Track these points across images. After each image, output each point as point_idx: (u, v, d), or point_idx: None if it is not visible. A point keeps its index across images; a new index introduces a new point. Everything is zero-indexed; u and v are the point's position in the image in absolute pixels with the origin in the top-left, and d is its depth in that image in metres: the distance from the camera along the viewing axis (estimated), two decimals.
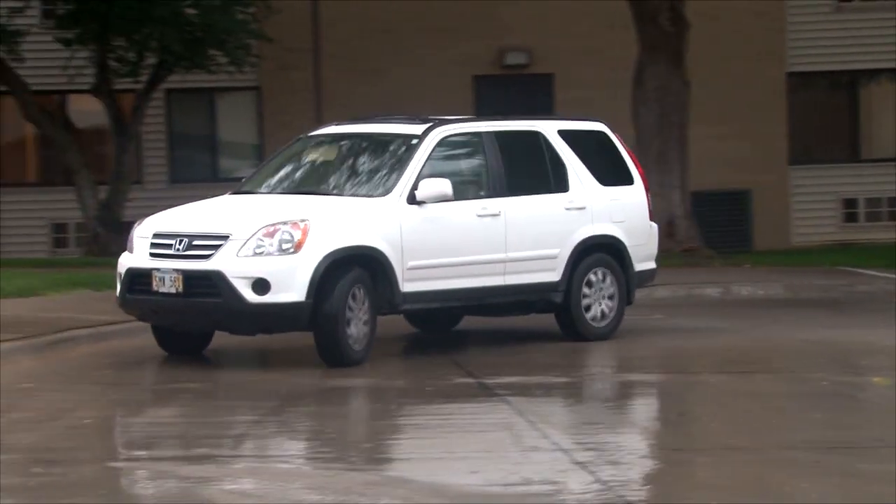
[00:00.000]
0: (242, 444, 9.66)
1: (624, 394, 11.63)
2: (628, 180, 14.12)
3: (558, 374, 12.44)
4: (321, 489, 8.12)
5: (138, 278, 12.31)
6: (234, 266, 11.88)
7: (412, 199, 12.49)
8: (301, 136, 13.78)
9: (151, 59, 21.63)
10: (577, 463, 8.65)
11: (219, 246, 11.97)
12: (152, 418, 10.50)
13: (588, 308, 13.63)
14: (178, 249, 12.12)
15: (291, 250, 11.86)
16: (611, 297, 13.73)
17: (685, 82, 22.00)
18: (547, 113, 24.42)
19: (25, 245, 23.52)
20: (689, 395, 11.51)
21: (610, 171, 13.95)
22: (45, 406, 10.57)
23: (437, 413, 10.71)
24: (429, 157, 12.73)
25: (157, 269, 12.14)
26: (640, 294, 18.27)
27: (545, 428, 9.69)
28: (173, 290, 12.04)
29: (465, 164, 13.22)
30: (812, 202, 25.43)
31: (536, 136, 13.65)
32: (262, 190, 13.21)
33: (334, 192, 12.75)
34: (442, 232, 12.60)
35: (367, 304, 12.17)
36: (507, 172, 13.19)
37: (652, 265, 14.29)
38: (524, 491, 8.08)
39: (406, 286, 12.36)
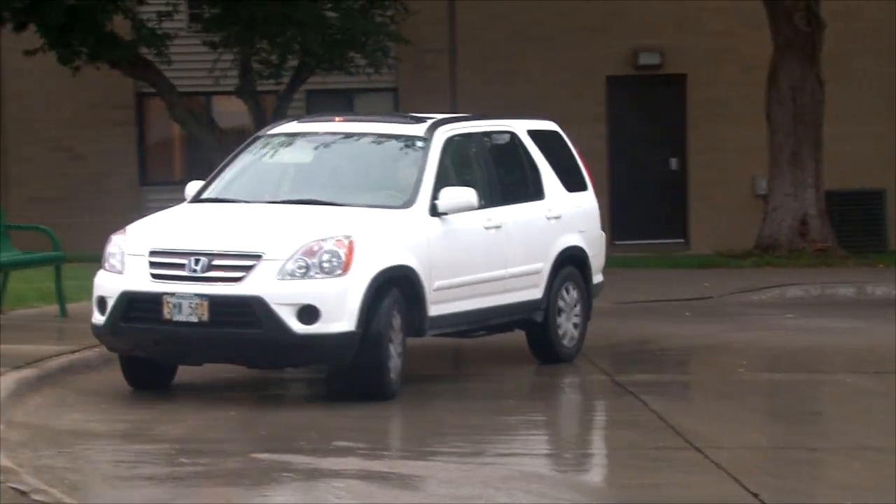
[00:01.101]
0: (385, 439, 10.00)
1: (757, 393, 11.69)
2: (583, 186, 12.84)
3: (690, 372, 12.62)
4: (455, 483, 8.40)
5: (139, 304, 10.44)
6: (276, 290, 10.17)
7: (434, 211, 11.09)
8: (260, 134, 12.15)
9: (293, 62, 22.13)
10: (712, 462, 8.83)
11: (251, 267, 10.25)
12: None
13: (559, 326, 12.34)
14: (194, 270, 10.33)
15: (339, 272, 10.27)
16: (577, 315, 12.51)
17: (820, 81, 21.96)
18: (680, 114, 24.51)
19: None
20: (823, 395, 11.58)
21: (569, 176, 12.66)
22: (192, 398, 10.97)
23: (564, 409, 10.95)
24: (439, 162, 11.34)
25: (171, 294, 10.29)
26: (771, 294, 18.29)
27: (678, 426, 9.85)
28: (195, 319, 10.22)
29: (463, 169, 11.83)
30: None
31: (512, 138, 12.31)
32: (246, 198, 11.37)
33: (343, 202, 11.06)
34: (464, 247, 11.28)
35: (401, 331, 10.72)
36: (498, 178, 11.94)
37: (601, 278, 13.09)
38: (657, 491, 8.27)
39: (433, 309, 10.97)
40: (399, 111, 22.23)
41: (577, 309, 12.53)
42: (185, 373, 11.24)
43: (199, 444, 9.27)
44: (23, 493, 7.68)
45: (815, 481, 8.56)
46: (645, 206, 24.29)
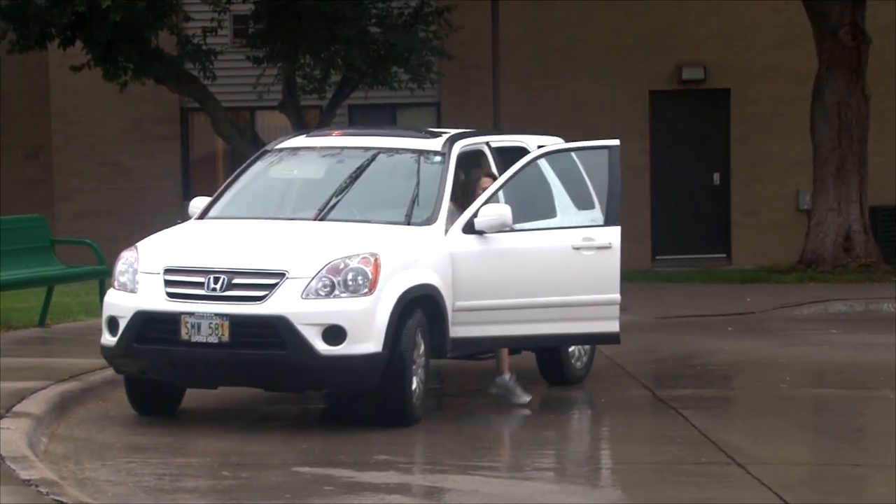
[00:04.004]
0: (425, 453, 10.02)
1: (800, 408, 11.66)
2: (591, 204, 11.75)
3: (732, 388, 12.58)
4: (498, 496, 8.42)
5: (155, 324, 10.05)
6: (301, 310, 9.81)
7: (470, 229, 10.74)
8: (268, 148, 11.74)
9: (336, 76, 22.23)
10: (754, 477, 8.81)
11: (274, 285, 9.89)
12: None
13: (570, 347, 11.98)
14: (213, 289, 9.95)
15: (365, 291, 9.93)
16: None
17: (865, 96, 21.87)
18: (723, 129, 24.44)
19: None
20: (867, 411, 11.54)
21: (574, 195, 11.73)
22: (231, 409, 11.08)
23: (604, 424, 10.95)
24: (455, 177, 11.02)
25: (189, 314, 9.90)
26: (814, 309, 18.20)
27: (720, 441, 9.85)
28: (214, 340, 9.85)
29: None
30: None
31: (524, 153, 11.70)
32: (260, 214, 11.00)
33: (363, 218, 10.75)
34: (503, 267, 10.78)
35: (424, 353, 10.40)
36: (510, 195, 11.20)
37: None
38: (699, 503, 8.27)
39: (454, 330, 10.61)
40: (441, 126, 22.27)
41: None
42: (217, 391, 11.24)
43: (241, 458, 9.32)
44: None
45: (858, 497, 8.54)
46: (687, 221, 24.24)
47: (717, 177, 24.45)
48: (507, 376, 11.27)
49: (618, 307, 11.03)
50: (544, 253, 10.94)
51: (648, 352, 14.02)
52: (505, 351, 11.38)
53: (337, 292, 9.91)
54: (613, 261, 10.97)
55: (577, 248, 10.94)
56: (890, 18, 23.56)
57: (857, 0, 21.70)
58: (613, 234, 11.01)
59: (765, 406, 11.57)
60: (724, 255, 24.14)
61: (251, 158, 11.81)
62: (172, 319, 9.97)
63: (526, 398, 11.26)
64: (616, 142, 11.32)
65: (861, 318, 17.54)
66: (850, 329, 16.34)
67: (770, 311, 17.75)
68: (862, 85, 21.82)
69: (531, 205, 11.20)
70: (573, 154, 11.54)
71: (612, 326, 10.97)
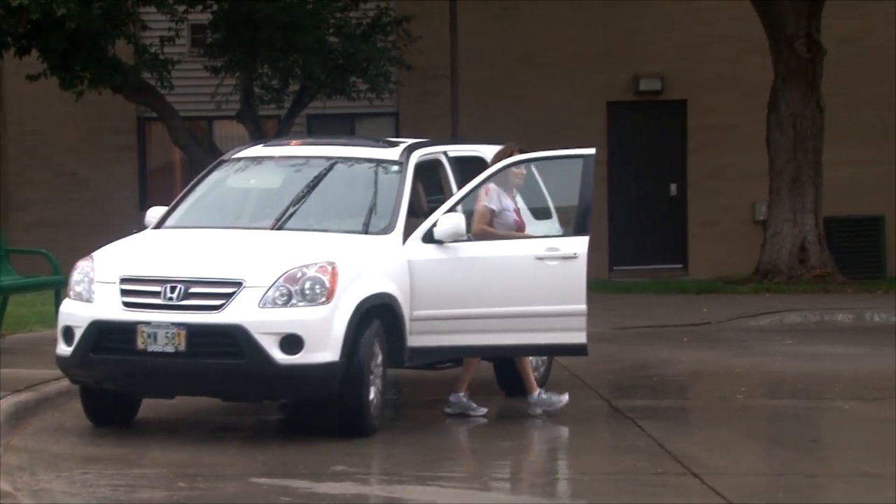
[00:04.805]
0: (382, 464, 10.00)
1: (756, 418, 11.71)
2: (549, 214, 12.11)
3: (689, 398, 12.62)
4: None
5: (111, 334, 9.98)
6: (258, 319, 9.78)
7: (429, 238, 10.72)
8: (225, 158, 11.72)
9: (294, 86, 22.20)
10: (710, 488, 8.85)
11: (231, 294, 9.85)
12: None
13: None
14: (170, 298, 9.89)
15: (322, 300, 9.90)
16: None
17: (820, 108, 22.02)
18: (680, 140, 24.55)
19: None
20: (822, 421, 11.60)
21: (531, 205, 11.90)
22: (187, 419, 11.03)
23: (562, 434, 10.97)
24: (412, 186, 11.04)
25: (146, 323, 9.84)
26: (770, 320, 18.30)
27: (676, 452, 9.88)
28: (171, 349, 9.80)
29: (434, 195, 11.54)
30: None
31: (481, 163, 11.67)
32: (217, 223, 10.96)
33: (321, 227, 10.71)
34: (462, 277, 10.75)
35: (381, 363, 10.38)
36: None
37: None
38: None
39: (412, 340, 10.62)
40: (400, 136, 22.29)
41: None
42: (174, 401, 11.22)
43: (197, 469, 9.28)
44: None
45: None
46: (645, 232, 24.33)
47: (673, 187, 24.56)
48: (461, 394, 11.26)
49: (584, 318, 10.92)
50: (505, 262, 10.87)
51: (605, 362, 14.06)
52: (470, 370, 11.36)
53: (294, 301, 9.88)
54: (579, 271, 10.87)
55: (541, 258, 10.90)
56: (845, 32, 23.75)
57: (813, 13, 21.86)
58: (580, 244, 10.91)
59: (721, 416, 11.61)
60: (680, 266, 24.24)
61: (208, 168, 11.77)
62: (128, 329, 9.91)
63: (483, 410, 11.27)
64: (592, 151, 11.25)
65: (816, 329, 17.64)
66: (805, 340, 16.44)
67: (726, 321, 17.84)
68: (817, 97, 21.98)
69: None
70: (531, 164, 11.57)
71: (579, 337, 10.88)
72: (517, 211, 11.35)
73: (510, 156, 11.31)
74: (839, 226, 23.47)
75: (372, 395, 10.22)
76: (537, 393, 11.34)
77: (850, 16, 23.95)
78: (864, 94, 24.34)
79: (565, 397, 11.35)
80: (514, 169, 11.26)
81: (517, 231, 11.23)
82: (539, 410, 11.31)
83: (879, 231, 24.01)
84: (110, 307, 10.05)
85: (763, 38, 22.25)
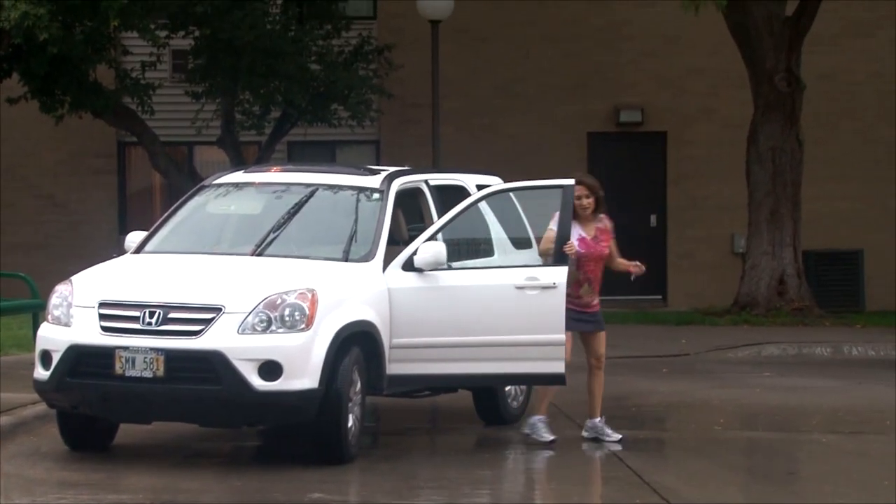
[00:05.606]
0: (360, 491, 9.96)
1: (733, 451, 11.71)
2: (529, 244, 12.08)
3: (667, 429, 12.62)
4: None
5: (89, 358, 9.93)
6: (237, 345, 9.75)
7: (409, 266, 10.72)
8: (206, 184, 11.68)
9: (275, 113, 22.22)
10: None
11: (210, 320, 9.82)
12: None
13: (507, 388, 12.06)
14: (149, 323, 9.87)
15: (302, 326, 9.89)
16: None
17: (799, 141, 22.12)
18: (660, 171, 24.61)
19: None
20: (799, 454, 11.61)
21: (511, 234, 12.01)
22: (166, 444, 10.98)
23: (539, 464, 10.95)
24: (393, 214, 11.07)
25: (124, 348, 9.81)
26: (748, 352, 18.33)
27: (654, 483, 9.87)
28: (149, 375, 9.76)
29: (414, 223, 11.58)
30: None
31: (462, 192, 11.78)
32: (197, 249, 10.90)
33: (301, 254, 10.70)
34: (442, 305, 10.72)
35: (360, 390, 10.35)
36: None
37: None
38: None
39: (391, 367, 10.60)
40: (380, 164, 22.31)
41: None
42: (151, 427, 11.16)
43: (174, 495, 9.24)
44: None
45: None
46: None
47: (653, 218, 24.63)
48: (539, 417, 11.41)
49: (563, 348, 10.94)
50: (485, 291, 10.85)
51: (584, 392, 14.05)
52: (549, 394, 11.45)
53: (273, 327, 9.87)
54: (558, 301, 10.86)
55: (521, 288, 10.88)
56: (824, 67, 23.88)
57: (793, 47, 21.98)
58: (560, 274, 10.92)
59: (698, 448, 11.61)
60: (659, 297, 24.28)
61: (188, 193, 11.74)
62: (106, 353, 9.87)
63: (549, 437, 11.41)
64: (571, 181, 11.30)
65: (794, 362, 17.68)
66: (783, 372, 16.46)
67: (704, 353, 17.86)
68: (796, 130, 22.09)
69: (470, 243, 11.21)
70: (511, 194, 11.59)
71: (558, 367, 10.87)
72: (582, 239, 11.39)
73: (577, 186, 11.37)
74: (818, 259, 23.55)
75: (350, 423, 10.20)
76: (540, 417, 11.47)
77: (829, 52, 24.10)
78: (843, 129, 24.48)
79: (551, 438, 11.43)
80: (574, 200, 11.29)
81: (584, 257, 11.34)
82: (548, 436, 11.44)
83: (858, 265, 24.10)
84: (88, 332, 10.01)
85: (743, 72, 22.36)
